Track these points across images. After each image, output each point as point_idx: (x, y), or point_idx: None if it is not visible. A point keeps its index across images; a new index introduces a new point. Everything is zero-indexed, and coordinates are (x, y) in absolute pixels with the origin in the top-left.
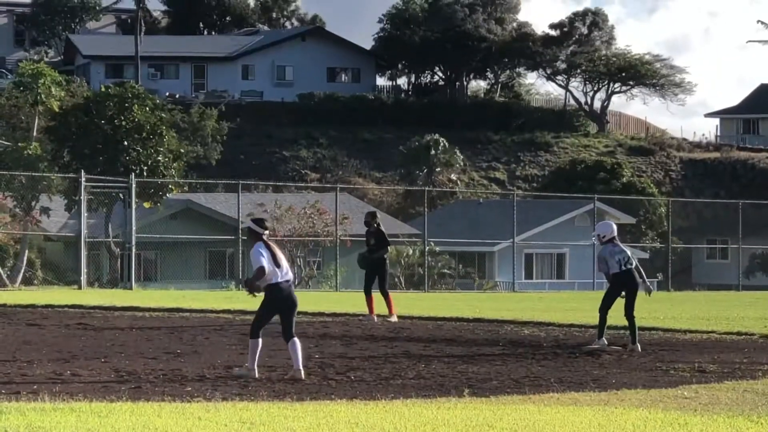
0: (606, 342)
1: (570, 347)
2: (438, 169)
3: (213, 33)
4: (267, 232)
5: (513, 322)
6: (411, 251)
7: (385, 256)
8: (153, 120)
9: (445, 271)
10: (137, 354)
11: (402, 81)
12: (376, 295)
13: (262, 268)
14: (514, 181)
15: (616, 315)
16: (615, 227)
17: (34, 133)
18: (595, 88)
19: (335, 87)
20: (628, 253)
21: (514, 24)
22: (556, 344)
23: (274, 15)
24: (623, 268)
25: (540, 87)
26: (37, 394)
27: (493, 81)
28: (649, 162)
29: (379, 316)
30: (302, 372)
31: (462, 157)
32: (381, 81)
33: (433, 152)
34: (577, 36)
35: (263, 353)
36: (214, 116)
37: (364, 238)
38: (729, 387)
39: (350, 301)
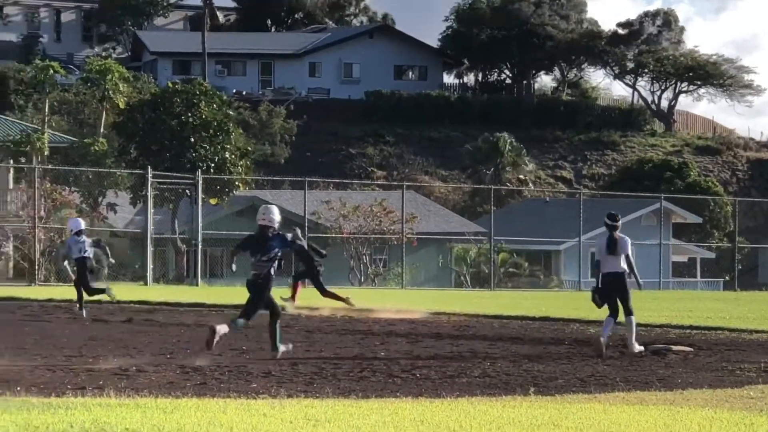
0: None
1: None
2: (506, 168)
3: (281, 30)
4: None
5: (579, 320)
6: (477, 249)
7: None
8: (220, 117)
9: (513, 270)
10: (203, 350)
11: (469, 79)
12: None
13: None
14: (581, 180)
15: (681, 315)
16: (82, 222)
17: (101, 129)
18: (663, 88)
19: (402, 85)
20: (88, 241)
21: (582, 22)
22: (622, 343)
23: (344, 12)
24: (83, 253)
25: (608, 86)
26: (102, 390)
27: (560, 79)
28: (715, 162)
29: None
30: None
31: (529, 158)
32: (448, 79)
33: (501, 150)
34: (646, 36)
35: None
36: (282, 114)
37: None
38: None
39: (416, 300)
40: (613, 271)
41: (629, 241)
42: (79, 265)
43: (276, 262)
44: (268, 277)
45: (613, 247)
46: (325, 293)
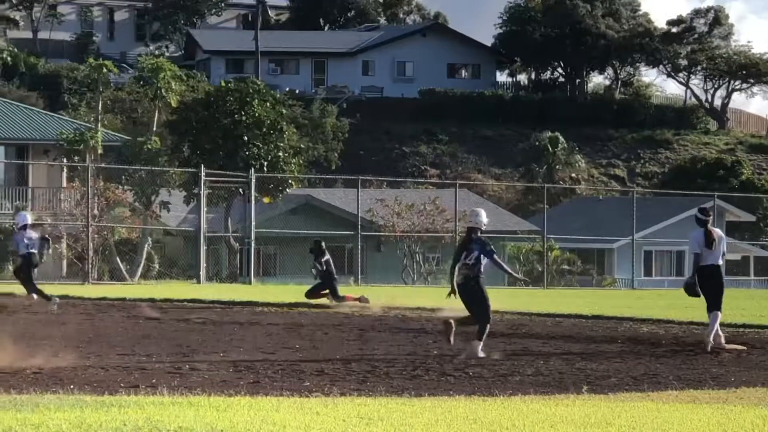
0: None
1: (689, 345)
2: (558, 167)
3: (334, 29)
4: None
5: (632, 319)
6: (530, 247)
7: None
8: (273, 115)
9: (565, 267)
10: (256, 348)
11: (522, 77)
12: None
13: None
14: (634, 179)
15: (734, 314)
16: (28, 217)
17: (154, 128)
18: (716, 86)
19: (455, 83)
20: (35, 236)
21: (636, 19)
22: (675, 342)
23: (397, 10)
24: (29, 249)
25: (661, 84)
26: (155, 388)
27: (613, 77)
28: None
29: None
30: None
31: (580, 157)
32: (501, 77)
33: (552, 150)
34: (697, 34)
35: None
36: (334, 113)
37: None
38: None
39: None
40: (712, 263)
41: (724, 235)
42: (24, 260)
43: (481, 265)
44: (477, 278)
45: (711, 241)
46: (340, 299)
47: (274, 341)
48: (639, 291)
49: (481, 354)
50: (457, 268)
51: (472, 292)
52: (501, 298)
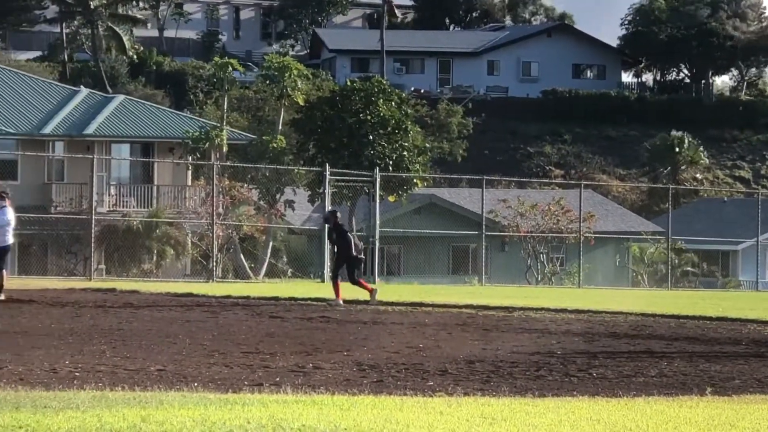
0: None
1: None
2: (683, 167)
3: (459, 28)
4: None
5: (756, 321)
6: (654, 248)
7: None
8: (398, 115)
9: (689, 269)
10: (379, 348)
11: (647, 78)
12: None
13: None
14: (759, 180)
15: None
16: None
17: (279, 126)
18: None
19: (580, 83)
20: None
21: (760, 22)
22: None
23: (521, 10)
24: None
25: None
26: (279, 386)
27: (739, 79)
28: None
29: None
30: None
31: (707, 154)
32: (626, 78)
33: (678, 150)
34: None
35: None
36: (460, 113)
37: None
38: None
39: (593, 298)
40: None
41: None
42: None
43: None
44: None
45: None
46: (355, 282)
47: (397, 340)
48: (764, 293)
49: None
50: None
51: None
52: (623, 299)
